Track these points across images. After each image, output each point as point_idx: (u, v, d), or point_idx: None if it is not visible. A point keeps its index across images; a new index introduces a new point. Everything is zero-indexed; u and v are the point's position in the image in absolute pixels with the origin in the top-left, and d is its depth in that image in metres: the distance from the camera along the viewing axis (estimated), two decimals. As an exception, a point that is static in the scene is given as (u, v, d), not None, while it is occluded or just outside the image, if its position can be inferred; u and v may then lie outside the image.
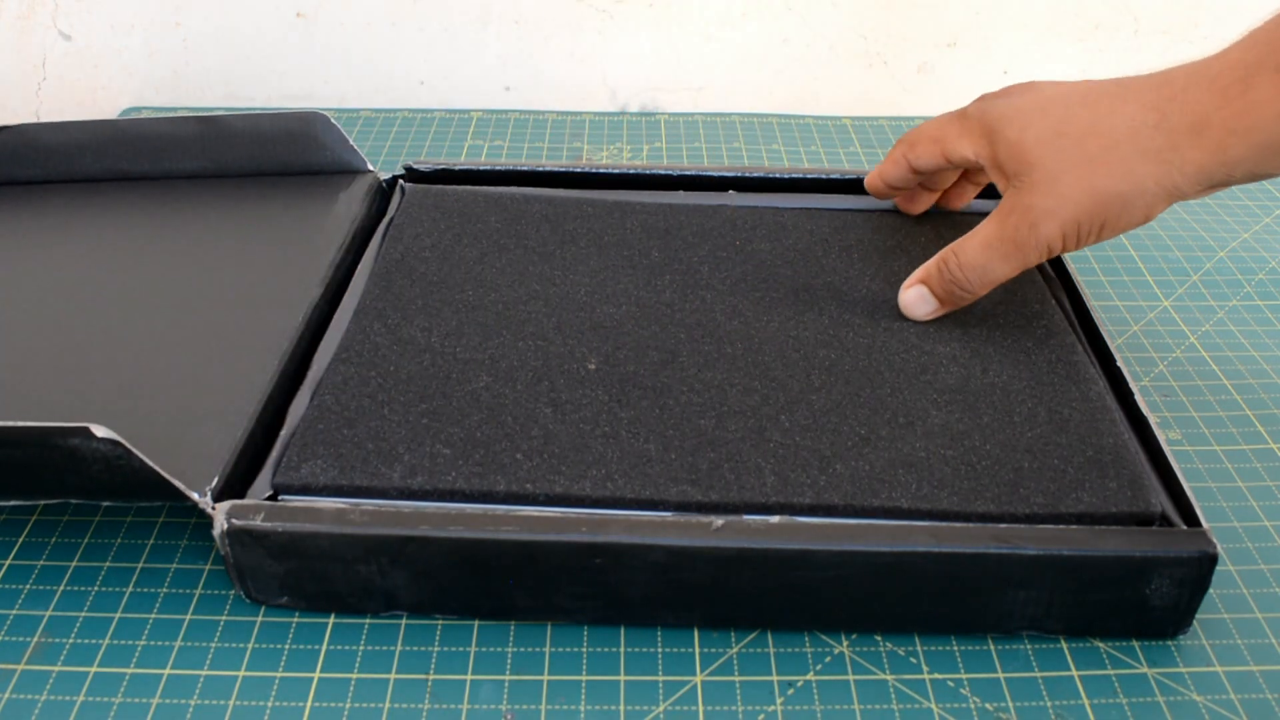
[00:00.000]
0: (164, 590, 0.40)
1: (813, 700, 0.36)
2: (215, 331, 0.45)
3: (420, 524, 0.36)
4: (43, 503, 0.42)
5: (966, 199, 0.54)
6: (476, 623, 0.39)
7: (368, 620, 0.39)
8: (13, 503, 0.39)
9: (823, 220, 0.54)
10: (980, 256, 0.44)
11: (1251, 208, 0.67)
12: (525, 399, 0.42)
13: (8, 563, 0.41)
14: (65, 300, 0.48)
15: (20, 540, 0.42)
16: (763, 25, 0.80)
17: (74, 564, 0.41)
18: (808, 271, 0.50)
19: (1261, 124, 0.37)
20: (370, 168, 0.57)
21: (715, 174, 0.56)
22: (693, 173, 0.57)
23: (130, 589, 0.40)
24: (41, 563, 0.41)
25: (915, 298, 0.46)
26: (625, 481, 0.38)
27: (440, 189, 0.55)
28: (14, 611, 0.39)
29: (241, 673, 0.37)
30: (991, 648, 0.38)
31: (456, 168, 0.57)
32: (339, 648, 0.38)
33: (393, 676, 0.37)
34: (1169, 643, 0.38)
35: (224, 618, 0.39)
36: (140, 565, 0.41)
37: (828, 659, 0.38)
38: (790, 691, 0.37)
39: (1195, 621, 0.39)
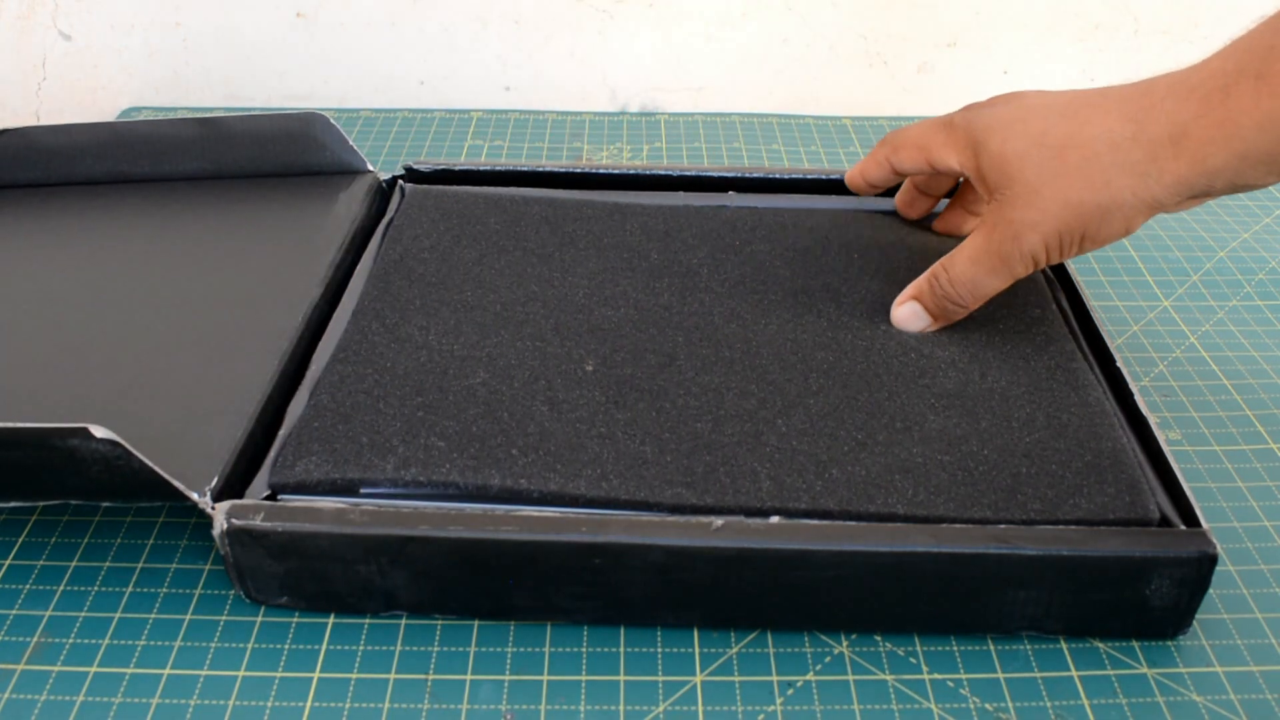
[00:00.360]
0: (164, 590, 0.40)
1: (812, 700, 0.36)
2: (215, 331, 0.45)
3: (420, 524, 0.36)
4: (42, 504, 0.42)
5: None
6: (476, 623, 0.39)
7: (367, 620, 0.39)
8: (12, 504, 0.39)
9: (823, 219, 0.54)
10: (969, 271, 0.44)
11: (1251, 208, 0.67)
12: (522, 396, 0.41)
13: (8, 563, 0.41)
14: (65, 301, 0.48)
15: (20, 540, 0.42)
16: (763, 25, 0.80)
17: (74, 564, 0.41)
18: (806, 272, 0.50)
19: (1241, 133, 0.36)
20: (370, 168, 0.57)
21: (715, 174, 0.56)
22: (693, 173, 0.57)
23: (130, 589, 0.40)
24: (41, 563, 0.41)
25: (908, 314, 0.46)
26: (620, 482, 0.38)
27: (440, 190, 0.55)
28: (14, 611, 0.39)
29: (241, 673, 0.37)
30: (991, 648, 0.38)
31: (456, 168, 0.57)
32: (339, 648, 0.38)
33: (392, 676, 0.37)
34: (1169, 643, 0.38)
35: (224, 618, 0.39)
36: (140, 565, 0.41)
37: (827, 659, 0.38)
38: (790, 691, 0.37)
39: (1195, 622, 0.39)
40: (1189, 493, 0.38)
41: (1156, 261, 0.61)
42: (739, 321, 0.46)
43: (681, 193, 0.56)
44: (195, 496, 0.37)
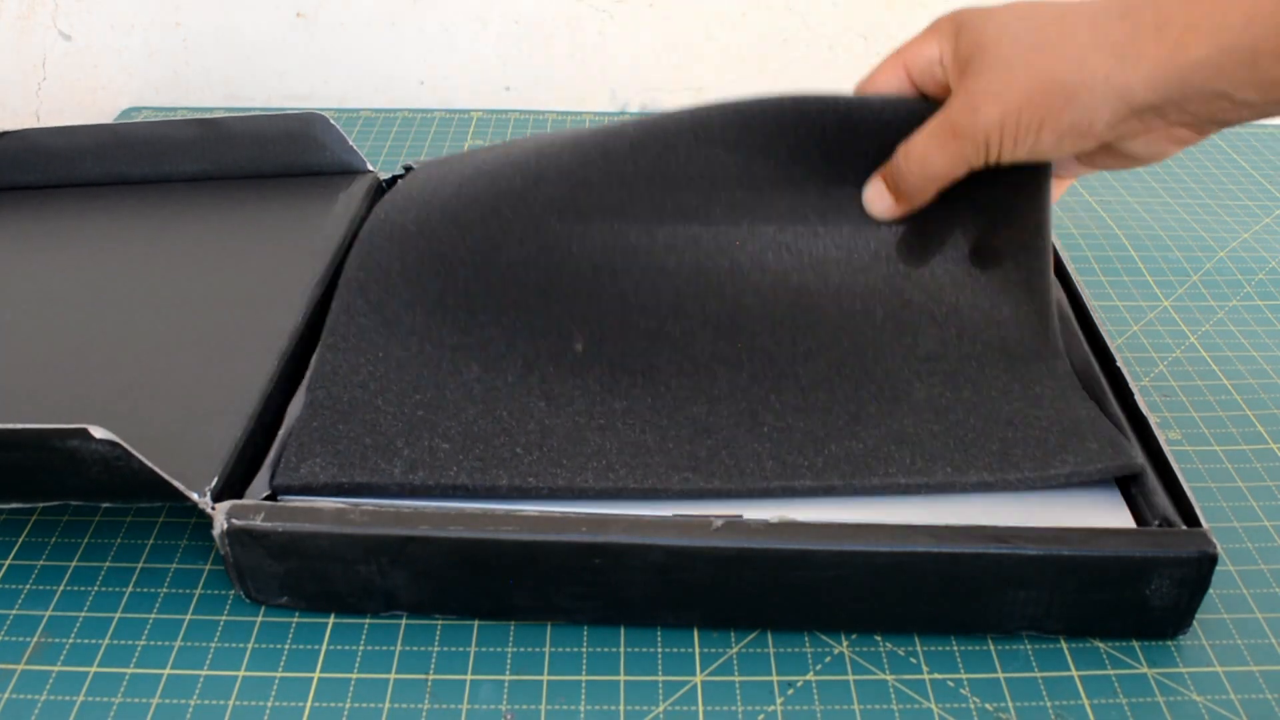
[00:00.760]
0: (164, 590, 0.40)
1: (812, 700, 0.36)
2: (215, 332, 0.45)
3: (420, 524, 0.36)
4: (42, 505, 0.42)
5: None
6: (476, 623, 0.39)
7: (368, 620, 0.39)
8: (12, 505, 0.39)
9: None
10: (921, 145, 0.42)
11: (1251, 208, 0.67)
12: (518, 392, 0.42)
13: (8, 563, 0.41)
14: (65, 302, 0.48)
15: (20, 540, 0.42)
16: (763, 25, 0.80)
17: (74, 564, 0.41)
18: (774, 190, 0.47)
19: (1227, 23, 0.35)
20: (370, 168, 0.57)
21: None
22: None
23: (130, 589, 0.40)
24: (41, 563, 0.41)
25: (873, 193, 0.44)
26: (627, 472, 0.38)
27: (424, 162, 0.54)
28: (14, 611, 0.39)
29: (241, 673, 0.37)
30: (991, 648, 0.38)
31: (456, 168, 0.57)
32: (339, 648, 0.38)
33: (392, 676, 0.37)
34: (1169, 643, 0.38)
35: (224, 618, 0.39)
36: (140, 565, 0.41)
37: (827, 659, 0.38)
38: (790, 691, 0.37)
39: (1195, 621, 0.39)
40: (1189, 493, 0.38)
41: (1156, 261, 0.61)
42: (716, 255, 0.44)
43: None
44: (195, 497, 0.37)
